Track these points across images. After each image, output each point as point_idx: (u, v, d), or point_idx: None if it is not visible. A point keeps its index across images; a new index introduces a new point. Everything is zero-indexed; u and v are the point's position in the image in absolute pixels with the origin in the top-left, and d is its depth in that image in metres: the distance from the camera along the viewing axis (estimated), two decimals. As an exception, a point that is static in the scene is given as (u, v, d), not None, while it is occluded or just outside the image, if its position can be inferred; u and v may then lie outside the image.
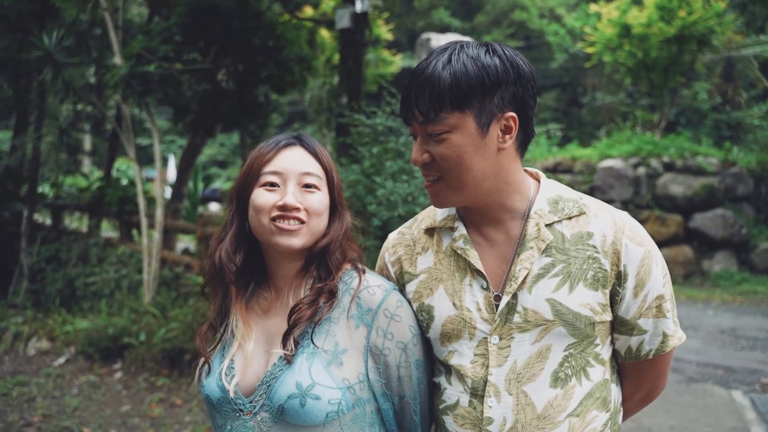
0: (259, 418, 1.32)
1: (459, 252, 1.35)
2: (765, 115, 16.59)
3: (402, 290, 1.44)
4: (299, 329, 1.34)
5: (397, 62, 17.15)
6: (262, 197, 1.36)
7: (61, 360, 6.45)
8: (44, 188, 10.26)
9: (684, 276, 11.41)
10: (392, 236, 1.52)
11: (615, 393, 1.39)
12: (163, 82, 6.75)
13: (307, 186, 1.38)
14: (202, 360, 1.43)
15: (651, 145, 12.62)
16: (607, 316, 1.31)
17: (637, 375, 1.42)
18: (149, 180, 14.86)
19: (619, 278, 1.30)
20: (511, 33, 25.11)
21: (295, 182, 1.37)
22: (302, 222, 1.35)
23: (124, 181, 10.05)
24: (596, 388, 1.33)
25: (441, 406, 1.38)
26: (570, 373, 1.30)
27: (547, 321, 1.28)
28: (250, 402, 1.33)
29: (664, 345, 1.36)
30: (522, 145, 1.33)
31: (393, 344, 1.36)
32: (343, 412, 1.31)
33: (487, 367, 1.30)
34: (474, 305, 1.32)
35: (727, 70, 17.13)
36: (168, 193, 10.08)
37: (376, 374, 1.36)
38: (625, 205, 11.81)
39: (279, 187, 1.37)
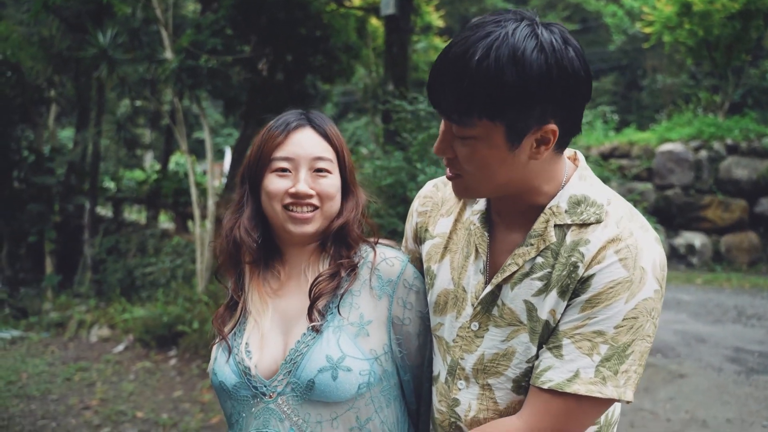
0: (282, 400, 1.30)
1: (471, 229, 1.29)
2: (840, 92, 15.65)
3: (420, 245, 1.41)
4: (322, 302, 1.33)
5: (449, 49, 16.92)
6: (274, 184, 1.35)
7: (120, 347, 6.70)
8: (106, 182, 10.65)
9: (749, 263, 10.92)
10: (428, 186, 1.45)
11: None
12: (212, 74, 6.89)
13: (319, 170, 1.36)
14: (216, 344, 1.40)
15: (713, 127, 12.08)
16: None
17: (529, 405, 1.17)
18: (206, 173, 15.23)
19: (580, 282, 1.13)
20: (566, 16, 24.48)
21: (307, 167, 1.35)
22: (315, 208, 1.34)
23: (181, 174, 10.34)
24: None
25: (431, 375, 1.36)
26: None
27: (520, 323, 1.19)
28: (272, 383, 1.31)
29: (568, 384, 1.11)
30: (562, 145, 1.16)
31: (413, 314, 1.36)
32: (372, 384, 1.30)
33: (462, 350, 1.26)
34: (469, 286, 1.26)
35: (799, 46, 16.22)
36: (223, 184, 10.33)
37: (397, 345, 1.35)
38: (685, 190, 11.38)
39: (290, 172, 1.35)
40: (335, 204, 1.38)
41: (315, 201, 1.34)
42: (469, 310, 1.25)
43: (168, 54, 7.01)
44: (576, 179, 1.20)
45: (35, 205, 8.77)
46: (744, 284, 9.43)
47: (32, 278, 9.01)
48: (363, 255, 1.39)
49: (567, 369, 1.12)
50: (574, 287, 1.13)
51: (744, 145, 11.54)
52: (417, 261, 1.45)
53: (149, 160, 17.70)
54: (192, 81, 6.80)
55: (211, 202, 7.16)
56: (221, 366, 1.35)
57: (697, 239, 11.27)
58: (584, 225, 1.16)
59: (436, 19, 15.52)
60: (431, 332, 1.36)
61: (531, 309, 1.18)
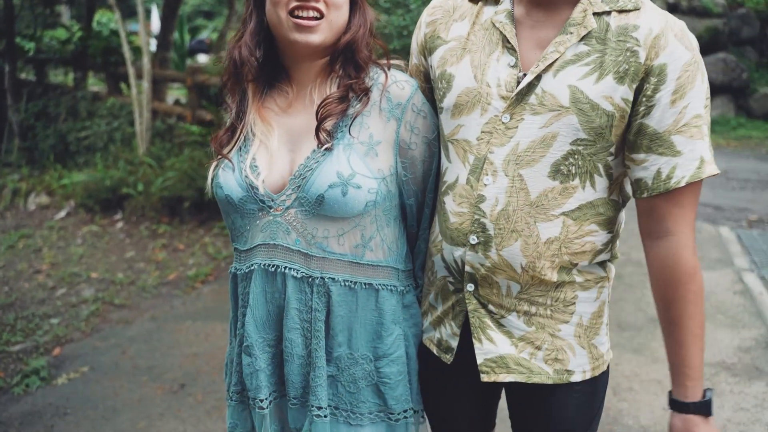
0: (290, 214, 1.32)
1: (497, 25, 1.28)
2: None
3: (430, 56, 1.39)
4: (329, 123, 1.32)
5: None
6: None
7: (62, 213, 6.54)
8: (24, 43, 9.85)
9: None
10: (437, 1, 1.44)
11: (622, 219, 1.35)
12: None
13: None
14: (215, 163, 1.40)
15: (656, -15, 12.04)
16: (627, 115, 1.21)
17: (671, 217, 1.23)
18: (132, 33, 14.26)
19: (650, 73, 1.17)
20: None
21: None
22: (321, 15, 1.29)
23: (106, 34, 9.64)
24: (600, 202, 1.27)
25: (443, 188, 1.37)
26: (574, 171, 1.23)
27: (561, 107, 1.20)
28: (279, 197, 1.33)
29: (701, 171, 1.18)
30: None
31: (419, 139, 1.38)
32: (378, 203, 1.33)
33: (491, 144, 1.26)
34: (495, 80, 1.26)
35: None
36: (154, 45, 9.71)
37: (403, 169, 1.38)
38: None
39: None
40: (342, 15, 1.33)
41: (321, 6, 1.29)
42: (497, 104, 1.25)
43: None
44: None
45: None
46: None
47: (-45, 146, 8.51)
48: (373, 76, 1.37)
49: (692, 158, 1.19)
50: (641, 78, 1.18)
51: (684, 3, 11.60)
52: (423, 76, 1.44)
53: (66, 19, 16.37)
54: (115, -77, 6.18)
55: (146, 61, 6.78)
56: (227, 180, 1.35)
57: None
58: (623, 11, 1.20)
59: None
60: (444, 141, 1.36)
61: (576, 92, 1.20)
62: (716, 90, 11.39)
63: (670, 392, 1.30)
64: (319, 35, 1.30)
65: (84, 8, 10.15)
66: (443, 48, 1.36)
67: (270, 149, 1.35)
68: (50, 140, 7.97)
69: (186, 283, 4.64)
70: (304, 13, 1.28)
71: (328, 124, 1.32)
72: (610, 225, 1.31)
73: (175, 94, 11.81)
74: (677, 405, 1.28)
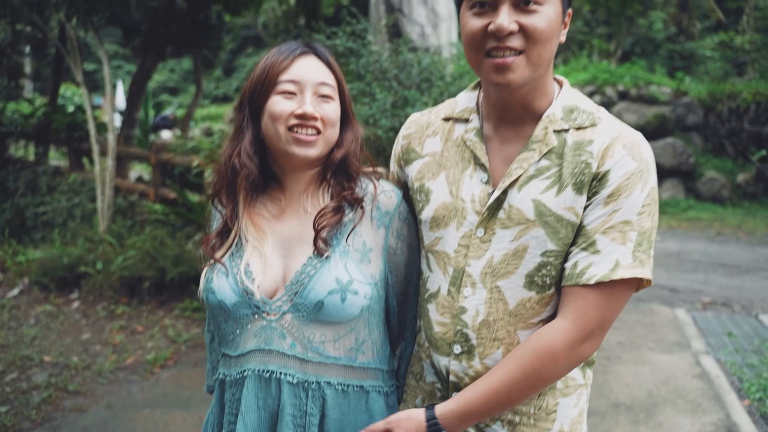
0: (285, 319, 1.35)
1: (468, 144, 1.37)
2: (717, 46, 16.82)
3: (407, 167, 1.48)
4: (325, 232, 1.37)
5: (354, -15, 16.62)
6: (280, 104, 1.37)
7: (15, 291, 6.33)
8: (-15, 115, 9.77)
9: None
10: (413, 116, 1.55)
11: None
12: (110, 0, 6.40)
13: (323, 96, 1.40)
14: (206, 268, 1.43)
15: (607, 73, 12.71)
16: None
17: (573, 306, 1.25)
18: (97, 107, 14.30)
19: (595, 179, 1.24)
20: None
21: (312, 91, 1.38)
22: (318, 132, 1.37)
23: (70, 108, 9.66)
24: None
25: (425, 295, 1.42)
26: (548, 282, 1.29)
27: (528, 221, 1.27)
28: (275, 303, 1.36)
29: (613, 272, 1.21)
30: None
31: (405, 244, 1.46)
32: (371, 307, 1.39)
33: (468, 257, 1.32)
34: (469, 196, 1.33)
35: (683, 0, 17.19)
36: (118, 120, 9.74)
37: (389, 273, 1.44)
38: (579, 134, 11.96)
39: (296, 95, 1.38)
40: (336, 131, 1.42)
41: (319, 125, 1.37)
42: (471, 218, 1.32)
43: (58, -25, 6.43)
44: (565, 93, 1.35)
45: None
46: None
47: None
48: (363, 186, 1.45)
49: (607, 260, 1.22)
50: (590, 184, 1.25)
51: (634, 91, 12.25)
52: (399, 183, 1.52)
53: (29, 92, 16.34)
54: (87, 5, 6.30)
55: (111, 138, 6.79)
56: (221, 285, 1.38)
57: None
58: (580, 128, 1.29)
59: (342, -47, 15.12)
60: (425, 251, 1.42)
61: (539, 205, 1.27)
62: (666, 173, 11.91)
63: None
64: (316, 149, 1.38)
65: (49, 82, 10.18)
66: (419, 162, 1.44)
67: (264, 255, 1.39)
68: (6, 215, 7.79)
69: (144, 368, 4.50)
70: (304, 131, 1.36)
71: (324, 234, 1.37)
72: None
73: (138, 169, 11.76)
74: (430, 407, 1.29)
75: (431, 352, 1.40)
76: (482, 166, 1.34)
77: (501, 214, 1.30)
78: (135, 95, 8.82)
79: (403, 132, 1.52)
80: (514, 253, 1.29)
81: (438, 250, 1.38)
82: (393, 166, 1.56)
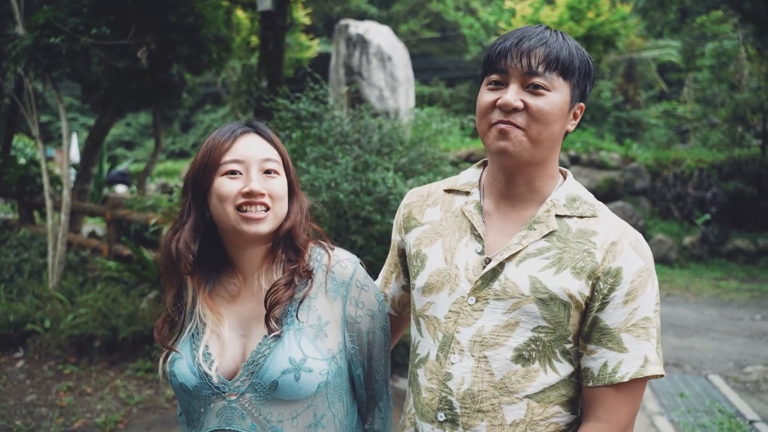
0: (245, 399, 1.34)
1: (466, 214, 1.42)
2: (661, 114, 17.69)
3: (406, 234, 1.53)
4: (278, 309, 1.37)
5: (315, 47, 17.01)
6: (225, 186, 1.37)
7: (-45, 349, 6.04)
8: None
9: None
10: (414, 188, 1.62)
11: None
12: (71, 56, 6.40)
13: (268, 172, 1.40)
14: (165, 352, 1.42)
15: (559, 139, 13.17)
16: (582, 308, 1.31)
17: (606, 407, 1.31)
18: (49, 159, 14.04)
19: (607, 274, 1.29)
20: (427, 23, 25.43)
21: (257, 168, 1.39)
22: (267, 208, 1.37)
23: (22, 160, 9.48)
24: (563, 385, 1.34)
25: (416, 360, 1.44)
26: (534, 356, 1.31)
27: (522, 295, 1.31)
28: (234, 383, 1.35)
29: (644, 369, 1.28)
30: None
31: (364, 312, 1.45)
32: (329, 382, 1.38)
33: (458, 324, 1.35)
34: (463, 264, 1.37)
35: (629, 70, 18.11)
36: (72, 174, 9.59)
37: (350, 342, 1.43)
38: (533, 196, 12.28)
39: (241, 174, 1.38)
40: (284, 205, 1.43)
41: (267, 201, 1.37)
42: (464, 286, 1.36)
43: (20, 29, 6.43)
44: (569, 182, 1.43)
45: None
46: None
47: None
48: (317, 258, 1.45)
49: (636, 357, 1.29)
50: (597, 275, 1.30)
51: (585, 156, 12.73)
52: (400, 251, 1.57)
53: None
54: (48, 61, 6.28)
55: (66, 193, 6.67)
56: (181, 368, 1.37)
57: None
58: (581, 217, 1.36)
59: (303, 17, 15.51)
60: (416, 317, 1.44)
61: (536, 282, 1.31)
62: (616, 235, 12.22)
63: None
64: (267, 225, 1.38)
65: (1, 133, 10.00)
66: (419, 229, 1.50)
67: (222, 337, 1.39)
68: (-50, 268, 7.50)
69: (92, 432, 4.32)
70: (252, 208, 1.36)
71: (277, 311, 1.37)
72: (573, 405, 1.38)
73: (91, 224, 11.51)
74: None
75: (416, 419, 1.41)
76: (478, 237, 1.39)
77: (496, 285, 1.33)
78: (91, 150, 8.72)
79: (404, 201, 1.59)
80: (505, 326, 1.32)
81: (429, 315, 1.41)
82: (395, 235, 1.61)
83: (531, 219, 1.37)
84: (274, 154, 1.43)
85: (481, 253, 1.37)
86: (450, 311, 1.37)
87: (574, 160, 12.74)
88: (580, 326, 1.34)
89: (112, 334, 5.47)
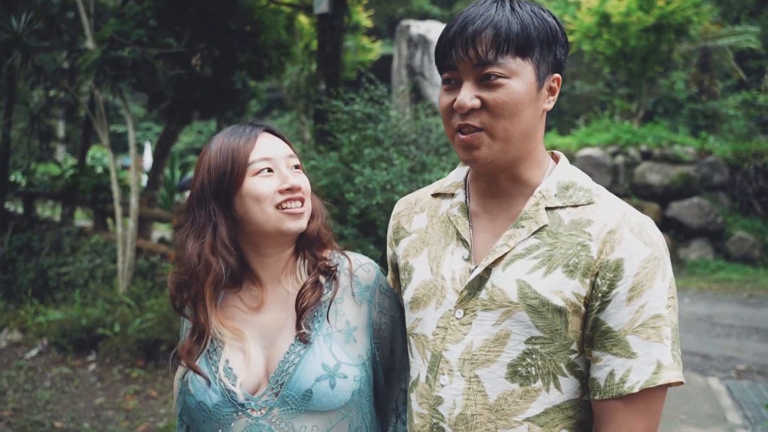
0: (273, 414, 1.27)
1: (451, 218, 1.29)
2: (740, 105, 16.75)
3: (396, 247, 1.41)
4: (309, 311, 1.32)
5: (377, 49, 17.03)
6: (261, 185, 1.31)
7: (33, 352, 6.31)
8: (16, 176, 10.02)
9: (661, 264, 11.50)
10: (405, 195, 1.51)
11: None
12: (137, 67, 6.59)
13: (294, 167, 1.37)
14: (183, 371, 1.34)
15: (629, 134, 12.69)
16: (582, 310, 1.15)
17: (617, 423, 1.13)
18: (125, 168, 14.60)
19: (605, 268, 1.12)
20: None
21: (285, 165, 1.35)
22: (302, 203, 1.35)
23: (99, 169, 9.85)
24: (570, 404, 1.17)
25: (409, 384, 1.31)
26: (534, 373, 1.15)
27: (510, 303, 1.15)
28: (260, 398, 1.28)
29: (657, 377, 1.09)
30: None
31: (387, 318, 1.40)
32: (362, 390, 1.31)
33: (445, 341, 1.21)
34: (449, 273, 1.23)
35: (704, 60, 17.25)
36: (144, 181, 9.91)
37: (376, 349, 1.38)
38: (603, 194, 11.88)
39: (271, 172, 1.33)
40: (311, 201, 1.39)
41: (303, 195, 1.34)
42: (451, 297, 1.22)
43: (89, 43, 6.67)
44: (562, 168, 1.26)
45: (-64, 200, 8.15)
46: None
47: (-68, 279, 8.35)
48: (336, 261, 1.39)
49: (647, 363, 1.10)
50: (594, 270, 1.13)
51: (657, 151, 12.18)
52: (393, 266, 1.45)
53: (62, 153, 16.79)
54: (115, 73, 6.49)
55: (134, 200, 6.87)
56: (201, 387, 1.29)
57: (613, 241, 11.79)
58: (576, 206, 1.20)
59: (365, 19, 15.55)
60: (407, 335, 1.33)
61: (524, 287, 1.15)
62: (693, 233, 11.69)
63: None
64: (305, 220, 1.34)
65: (78, 146, 10.45)
66: (407, 239, 1.37)
67: (245, 351, 1.31)
68: (30, 274, 7.87)
69: (156, 436, 4.39)
70: (293, 204, 1.32)
71: (308, 313, 1.31)
72: (584, 428, 1.20)
73: (161, 230, 11.88)
74: None
75: None
76: (464, 242, 1.25)
77: (483, 294, 1.18)
78: (160, 158, 8.98)
79: (394, 211, 1.47)
80: (495, 339, 1.17)
81: (417, 333, 1.27)
82: (388, 249, 1.48)
83: (518, 215, 1.21)
84: (292, 151, 1.40)
85: (468, 259, 1.23)
86: (438, 327, 1.23)
87: (646, 156, 12.21)
88: (582, 331, 1.16)
89: (177, 339, 5.57)
